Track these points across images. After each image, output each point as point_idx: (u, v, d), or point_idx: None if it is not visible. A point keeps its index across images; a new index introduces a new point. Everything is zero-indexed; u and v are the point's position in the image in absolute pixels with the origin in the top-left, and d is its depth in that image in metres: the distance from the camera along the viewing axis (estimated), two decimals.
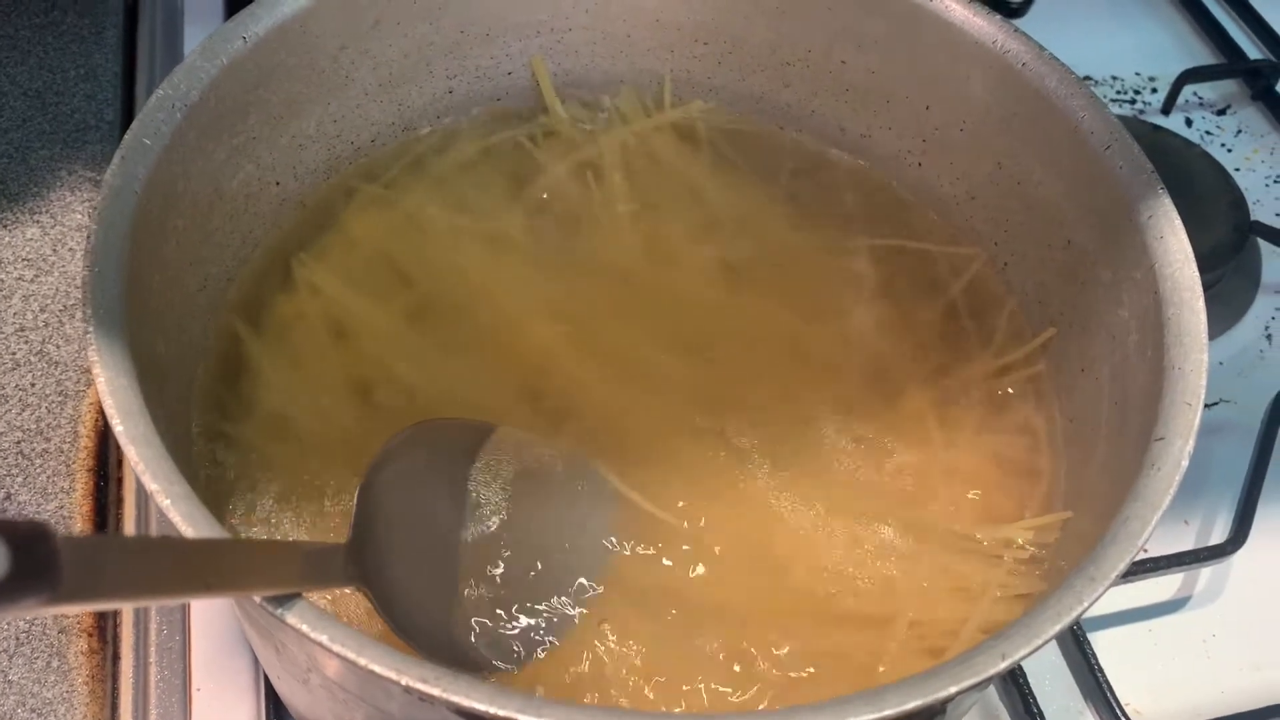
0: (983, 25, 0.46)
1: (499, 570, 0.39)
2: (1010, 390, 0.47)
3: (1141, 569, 0.53)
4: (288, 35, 0.44)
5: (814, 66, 0.52)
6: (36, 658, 0.46)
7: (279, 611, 0.29)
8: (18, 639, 0.46)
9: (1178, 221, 0.39)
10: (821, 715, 0.27)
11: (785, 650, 0.39)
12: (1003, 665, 0.28)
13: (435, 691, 0.27)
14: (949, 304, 0.50)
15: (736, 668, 0.39)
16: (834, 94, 0.52)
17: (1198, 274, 0.38)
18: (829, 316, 0.50)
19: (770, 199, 0.53)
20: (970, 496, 0.44)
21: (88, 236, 0.36)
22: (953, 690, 0.28)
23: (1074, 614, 0.29)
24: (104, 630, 0.48)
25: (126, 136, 0.39)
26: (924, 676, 0.28)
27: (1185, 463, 0.33)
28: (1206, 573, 0.56)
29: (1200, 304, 0.37)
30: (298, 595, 0.30)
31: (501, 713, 0.27)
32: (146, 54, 0.69)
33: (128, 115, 0.66)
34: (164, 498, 0.30)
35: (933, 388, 0.47)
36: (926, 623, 0.41)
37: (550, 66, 0.53)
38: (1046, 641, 0.29)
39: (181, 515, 0.30)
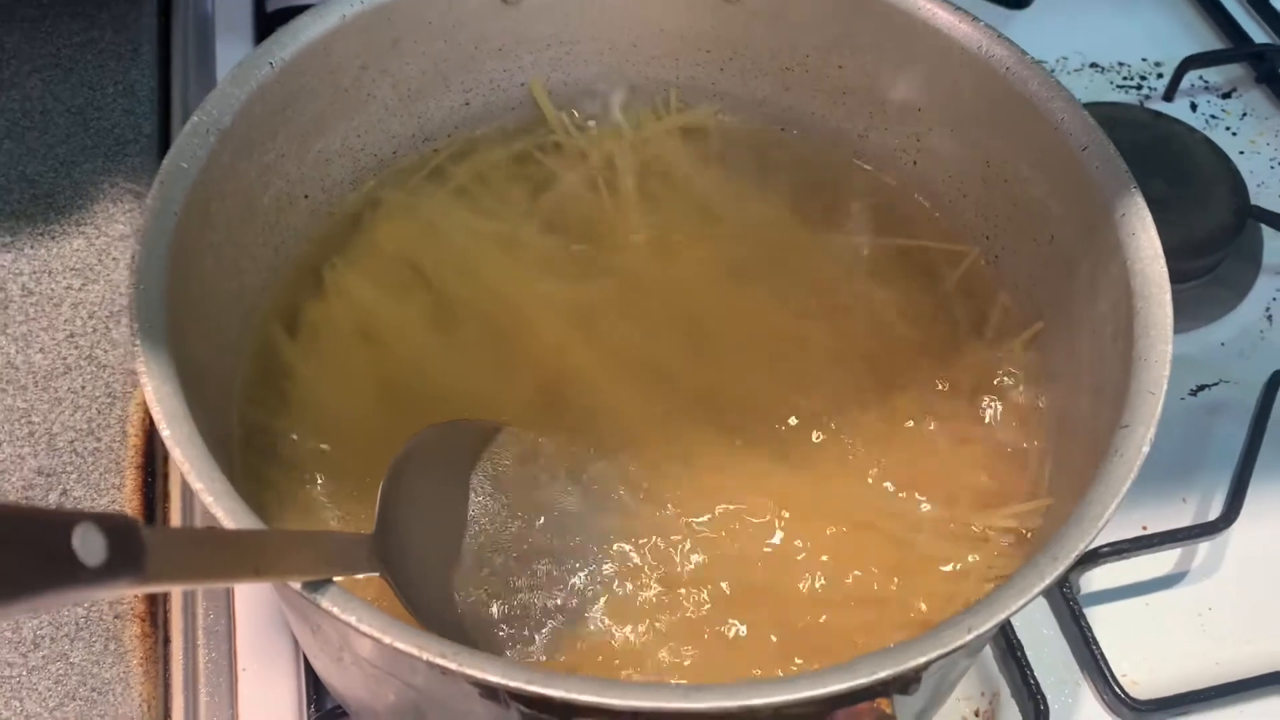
0: (969, 31, 0.48)
1: (510, 562, 0.42)
2: (1002, 380, 0.49)
3: (1137, 545, 0.55)
4: (312, 58, 0.47)
5: (812, 71, 0.54)
6: (95, 641, 0.50)
7: (314, 596, 0.32)
8: (77, 625, 0.50)
9: (1149, 219, 0.41)
10: (801, 684, 0.30)
11: (784, 627, 0.42)
12: (968, 638, 0.31)
13: (453, 666, 0.30)
14: (944, 298, 0.52)
15: (735, 645, 0.42)
16: (832, 97, 0.54)
17: (1166, 269, 0.40)
18: (830, 313, 0.52)
19: (774, 199, 0.55)
20: (962, 483, 0.47)
21: (132, 257, 0.39)
22: (921, 660, 0.30)
23: (1035, 591, 0.32)
24: (155, 615, 0.51)
25: (165, 162, 0.42)
26: (895, 649, 0.31)
27: (1146, 449, 0.35)
28: (1203, 548, 0.57)
29: (1167, 298, 0.39)
30: (329, 581, 0.33)
31: (512, 684, 0.30)
32: (180, 69, 0.73)
33: (164, 129, 0.69)
34: (208, 495, 0.33)
35: (928, 379, 0.50)
36: (918, 602, 0.43)
37: (561, 76, 0.56)
38: (1009, 616, 0.32)
39: (224, 511, 0.33)
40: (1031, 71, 0.46)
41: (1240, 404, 0.62)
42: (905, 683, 0.31)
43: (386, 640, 0.31)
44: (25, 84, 0.69)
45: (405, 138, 0.54)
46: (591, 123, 0.57)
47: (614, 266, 0.53)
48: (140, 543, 0.25)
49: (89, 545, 0.23)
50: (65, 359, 0.58)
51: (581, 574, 0.43)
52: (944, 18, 0.48)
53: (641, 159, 0.56)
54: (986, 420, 0.49)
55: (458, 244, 0.53)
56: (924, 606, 0.43)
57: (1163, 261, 0.40)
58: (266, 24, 0.74)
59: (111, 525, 0.24)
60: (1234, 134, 0.76)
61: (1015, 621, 0.52)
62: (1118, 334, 0.40)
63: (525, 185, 0.55)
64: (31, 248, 0.62)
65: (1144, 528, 0.57)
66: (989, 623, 0.31)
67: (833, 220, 0.55)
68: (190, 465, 0.34)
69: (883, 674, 0.30)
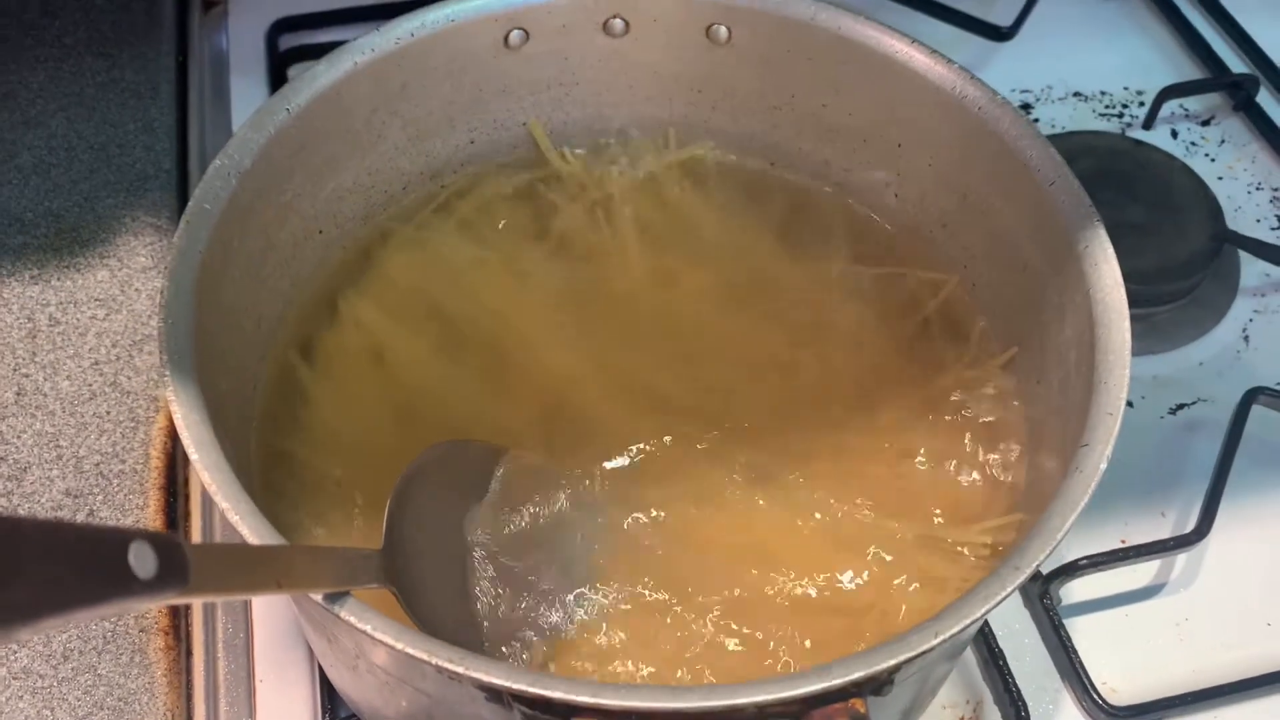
0: (943, 73, 0.51)
1: (511, 577, 0.45)
2: (979, 403, 0.52)
3: (1115, 558, 0.57)
4: (326, 103, 0.50)
5: (798, 110, 0.57)
6: (121, 654, 0.52)
7: (334, 608, 0.35)
8: (105, 638, 0.53)
9: (1110, 251, 0.44)
10: (779, 685, 0.32)
11: (769, 636, 0.45)
12: (935, 641, 0.34)
13: (461, 670, 0.33)
14: (925, 324, 0.55)
15: (724, 653, 0.44)
16: (817, 134, 0.57)
17: (1125, 298, 0.43)
18: (817, 338, 0.54)
19: (764, 231, 0.58)
20: (940, 500, 0.49)
21: (160, 293, 0.42)
22: (891, 663, 0.33)
23: (998, 598, 0.35)
24: (178, 629, 0.54)
25: (190, 204, 0.45)
26: (867, 652, 0.33)
27: (1104, 466, 0.38)
28: (1181, 560, 0.59)
29: (1126, 325, 0.42)
30: (346, 593, 0.35)
31: (515, 686, 0.33)
32: (197, 106, 0.75)
33: (182, 164, 0.72)
34: (234, 514, 0.36)
35: (910, 401, 0.52)
36: (898, 612, 0.46)
37: (561, 116, 0.59)
38: (975, 621, 0.34)
39: (249, 529, 0.36)
40: (1003, 110, 0.49)
41: (1216, 422, 0.63)
42: (878, 685, 0.34)
43: (400, 647, 0.34)
44: (50, 122, 0.72)
45: (414, 175, 0.57)
46: (590, 159, 0.60)
47: (613, 295, 0.56)
48: (185, 558, 0.28)
49: (142, 560, 0.26)
50: (91, 385, 0.61)
51: (578, 588, 0.46)
52: (921, 60, 0.51)
53: (638, 193, 0.59)
54: (964, 440, 0.51)
55: (464, 274, 0.56)
56: (902, 617, 0.46)
57: (1123, 290, 0.43)
58: (279, 63, 0.77)
59: (161, 542, 0.27)
60: (1212, 160, 0.78)
61: (997, 631, 0.55)
62: (1081, 358, 0.43)
63: (528, 218, 0.58)
64: (58, 280, 0.65)
65: (1123, 540, 0.59)
66: (954, 628, 0.34)
67: (820, 250, 0.57)
68: (218, 488, 0.37)
69: (855, 675, 0.33)
